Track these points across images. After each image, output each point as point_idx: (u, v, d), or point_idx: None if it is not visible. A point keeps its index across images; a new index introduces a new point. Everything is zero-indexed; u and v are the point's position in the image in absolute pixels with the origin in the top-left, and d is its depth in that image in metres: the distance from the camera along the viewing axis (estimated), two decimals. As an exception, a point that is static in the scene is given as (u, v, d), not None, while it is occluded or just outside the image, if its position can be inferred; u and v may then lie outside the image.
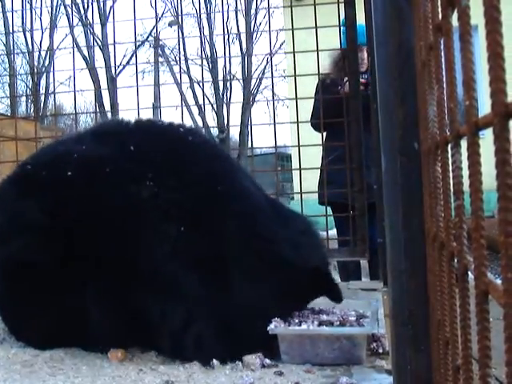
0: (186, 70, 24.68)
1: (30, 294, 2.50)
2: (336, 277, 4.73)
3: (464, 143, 0.76)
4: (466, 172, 0.75)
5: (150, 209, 2.43)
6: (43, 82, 27.64)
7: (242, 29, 26.96)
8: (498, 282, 0.64)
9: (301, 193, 4.39)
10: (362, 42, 4.48)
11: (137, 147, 2.59)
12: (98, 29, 26.00)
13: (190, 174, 2.55)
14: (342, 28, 4.69)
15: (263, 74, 26.29)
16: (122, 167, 2.52)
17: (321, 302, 2.61)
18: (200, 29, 25.13)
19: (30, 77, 26.31)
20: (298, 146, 4.37)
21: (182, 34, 22.19)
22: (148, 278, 2.36)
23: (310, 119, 5.12)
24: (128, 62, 25.56)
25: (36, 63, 26.52)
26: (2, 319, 2.75)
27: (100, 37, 26.09)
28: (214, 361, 2.30)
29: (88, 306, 2.40)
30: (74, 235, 2.44)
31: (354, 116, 4.21)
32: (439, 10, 0.99)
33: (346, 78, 4.54)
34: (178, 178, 2.50)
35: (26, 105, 28.46)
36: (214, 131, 24.75)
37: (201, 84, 24.30)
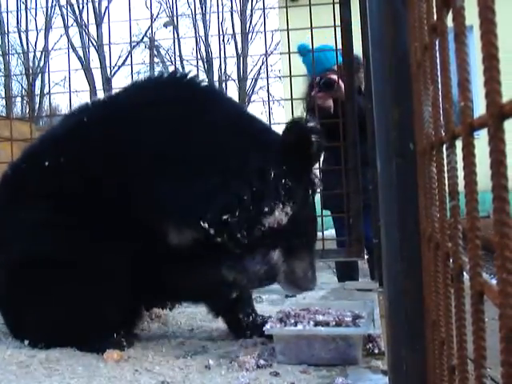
0: (181, 70, 24.65)
1: (35, 292, 2.52)
2: (333, 277, 4.73)
3: (459, 144, 0.77)
4: (461, 172, 0.75)
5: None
6: (38, 82, 27.58)
7: (238, 29, 27.01)
8: (493, 282, 0.64)
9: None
10: (329, 66, 4.54)
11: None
12: (93, 29, 26.03)
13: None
14: (301, 58, 4.77)
15: (258, 74, 26.33)
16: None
17: (317, 302, 2.61)
18: (195, 29, 25.16)
19: (25, 77, 26.26)
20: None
21: (178, 35, 22.18)
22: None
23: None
24: (123, 63, 25.54)
25: (31, 64, 26.48)
26: (2, 315, 2.76)
27: (95, 37, 26.09)
28: (210, 361, 2.30)
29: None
30: (77, 234, 2.46)
31: (349, 118, 4.22)
32: (434, 10, 0.99)
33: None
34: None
35: (21, 105, 28.41)
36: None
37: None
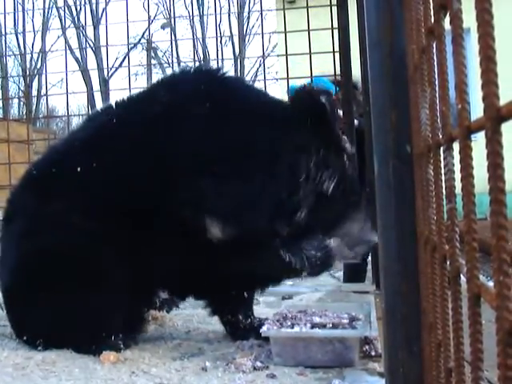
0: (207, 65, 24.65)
1: (38, 289, 2.53)
2: (331, 279, 4.73)
3: (456, 146, 0.77)
4: (458, 175, 0.76)
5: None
6: (35, 84, 27.57)
7: (235, 31, 27.00)
8: (491, 284, 0.64)
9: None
10: None
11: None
12: (90, 31, 26.00)
13: None
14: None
15: (256, 76, 26.29)
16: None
17: (314, 304, 2.61)
18: (193, 31, 25.12)
19: (22, 79, 26.23)
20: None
21: (175, 37, 22.19)
22: None
23: None
24: (120, 65, 25.53)
25: (28, 65, 26.46)
26: (8, 310, 2.74)
27: (92, 39, 26.08)
28: (207, 363, 2.30)
29: None
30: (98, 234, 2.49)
31: (347, 134, 4.22)
32: (431, 13, 0.99)
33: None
34: None
35: (19, 107, 28.35)
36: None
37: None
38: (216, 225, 2.41)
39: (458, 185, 0.75)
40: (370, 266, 4.87)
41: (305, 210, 2.44)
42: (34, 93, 26.90)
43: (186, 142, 2.51)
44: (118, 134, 2.64)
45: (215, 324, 2.92)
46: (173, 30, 20.90)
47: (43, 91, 24.72)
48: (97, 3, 26.02)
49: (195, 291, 2.77)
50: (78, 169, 2.58)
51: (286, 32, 4.48)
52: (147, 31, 22.82)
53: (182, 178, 2.46)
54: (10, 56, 22.02)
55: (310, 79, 4.62)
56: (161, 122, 2.58)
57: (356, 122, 4.29)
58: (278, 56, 13.54)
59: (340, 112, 4.42)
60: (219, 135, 2.50)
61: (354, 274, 4.90)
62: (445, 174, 0.86)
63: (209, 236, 2.42)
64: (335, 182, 2.49)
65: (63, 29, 18.38)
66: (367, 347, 2.40)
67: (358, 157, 4.08)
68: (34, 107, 26.35)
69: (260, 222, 2.42)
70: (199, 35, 26.04)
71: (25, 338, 2.61)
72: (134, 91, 3.18)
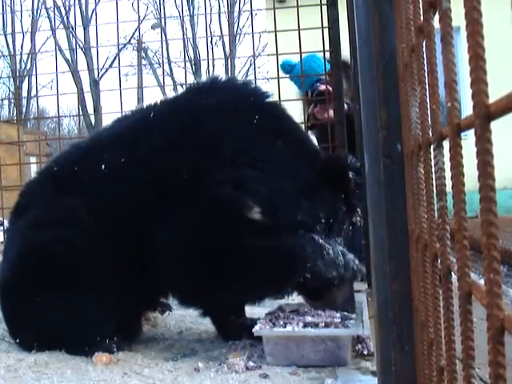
0: (169, 72, 24.63)
1: (41, 287, 2.52)
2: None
3: (446, 144, 0.77)
4: (448, 173, 0.76)
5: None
6: (25, 85, 27.45)
7: (225, 31, 27.01)
8: (482, 282, 0.64)
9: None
10: (316, 77, 4.59)
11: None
12: (80, 32, 25.91)
13: None
14: (288, 75, 4.85)
15: (247, 76, 26.27)
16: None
17: (306, 304, 2.61)
18: (183, 31, 25.11)
19: (12, 80, 26.14)
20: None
21: (165, 37, 22.18)
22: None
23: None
24: (111, 65, 25.45)
25: (18, 66, 26.36)
26: (3, 304, 2.73)
27: (82, 40, 25.99)
28: (199, 364, 2.30)
29: None
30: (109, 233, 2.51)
31: (338, 118, 4.22)
32: (421, 12, 0.99)
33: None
34: None
35: (9, 108, 28.28)
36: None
37: (184, 86, 24.21)
38: (254, 205, 2.44)
39: (449, 183, 0.75)
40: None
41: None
42: (24, 94, 26.81)
43: (227, 140, 2.57)
44: (151, 131, 2.67)
45: (208, 324, 2.92)
46: (163, 30, 20.91)
47: (33, 92, 24.68)
48: (86, 4, 25.96)
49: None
50: (101, 166, 2.61)
51: (276, 31, 4.47)
52: (137, 31, 22.82)
53: (223, 166, 2.50)
54: (-1, 57, 21.95)
55: (301, 77, 4.62)
56: (203, 120, 2.63)
57: (346, 106, 4.30)
58: (268, 55, 13.55)
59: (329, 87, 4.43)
60: (260, 145, 2.57)
61: None
62: (435, 172, 0.86)
63: (246, 213, 2.44)
64: (339, 244, 2.58)
65: (53, 30, 18.29)
66: (360, 346, 2.40)
67: (348, 145, 4.10)
68: (24, 108, 26.25)
69: (296, 215, 2.47)
70: (189, 35, 26.05)
71: (17, 339, 2.61)
72: (125, 92, 3.19)
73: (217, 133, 2.57)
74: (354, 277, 2.62)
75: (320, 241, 2.48)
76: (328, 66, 4.45)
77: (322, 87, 4.57)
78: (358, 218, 2.69)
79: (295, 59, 4.81)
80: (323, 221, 2.52)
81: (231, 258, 2.47)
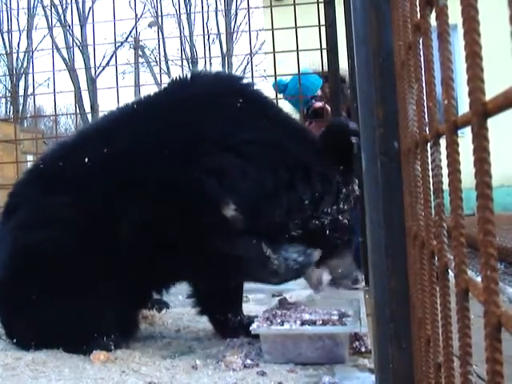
0: (166, 70, 24.64)
1: (36, 286, 2.52)
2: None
3: (443, 142, 0.77)
4: (445, 170, 0.76)
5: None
6: (22, 83, 27.42)
7: (222, 29, 27.00)
8: (479, 279, 0.64)
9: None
10: (312, 93, 4.59)
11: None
12: (77, 30, 25.88)
13: None
14: (281, 94, 4.88)
15: (244, 74, 26.27)
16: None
17: (303, 301, 2.61)
18: (180, 29, 25.10)
19: (8, 78, 26.10)
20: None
21: (162, 35, 22.18)
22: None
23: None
24: (108, 63, 25.47)
25: (14, 65, 26.33)
26: None
27: (79, 38, 25.97)
28: (197, 361, 2.30)
29: None
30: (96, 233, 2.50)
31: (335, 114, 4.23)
32: (418, 9, 0.99)
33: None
34: None
35: (6, 107, 28.23)
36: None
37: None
38: (231, 202, 2.43)
39: (446, 180, 0.75)
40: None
41: (311, 228, 2.52)
42: (21, 92, 26.78)
43: (214, 125, 2.56)
44: (133, 125, 2.67)
45: (205, 322, 2.92)
46: (160, 28, 20.89)
47: (30, 91, 24.62)
48: (83, 2, 25.95)
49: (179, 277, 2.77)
50: (86, 163, 2.60)
51: (273, 29, 4.48)
52: (134, 29, 22.76)
53: (207, 153, 2.49)
54: (-4, 55, 21.91)
55: (297, 77, 4.62)
56: (186, 108, 2.63)
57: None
58: (265, 53, 13.55)
59: (329, 109, 4.45)
60: (247, 127, 2.57)
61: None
62: (432, 170, 0.86)
63: (224, 212, 2.43)
64: (340, 215, 2.57)
65: (50, 28, 18.28)
66: (357, 343, 2.40)
67: None
68: (21, 107, 26.22)
69: (276, 216, 2.47)
70: (186, 33, 26.04)
71: (15, 338, 2.61)
72: (122, 90, 3.20)
73: (202, 119, 2.57)
74: (296, 274, 2.61)
75: (267, 252, 2.47)
76: (321, 82, 4.49)
77: (318, 104, 4.59)
78: (356, 187, 2.67)
79: (288, 77, 4.86)
80: (308, 202, 2.49)
81: (191, 249, 2.51)
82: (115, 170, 2.56)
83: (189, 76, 2.84)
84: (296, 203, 2.48)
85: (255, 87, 2.87)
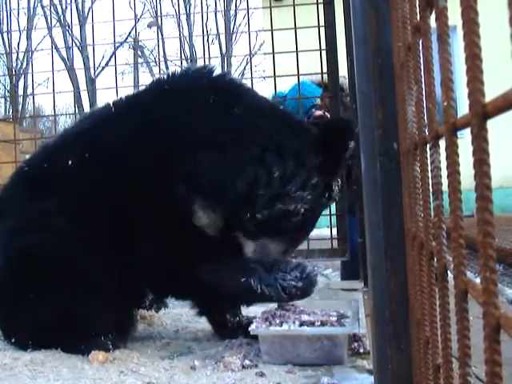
0: (165, 70, 24.58)
1: (33, 288, 2.52)
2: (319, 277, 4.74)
3: (443, 143, 0.77)
4: (444, 172, 0.76)
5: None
6: (21, 83, 27.43)
7: (222, 30, 26.99)
8: (478, 280, 0.64)
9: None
10: (312, 103, 4.59)
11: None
12: (76, 30, 25.89)
13: None
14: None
15: (243, 74, 26.29)
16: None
17: (302, 302, 2.61)
18: (179, 30, 25.10)
19: (7, 78, 26.09)
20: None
21: (162, 35, 22.16)
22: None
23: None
24: (107, 63, 25.46)
25: (14, 65, 26.31)
26: None
27: (79, 38, 25.97)
28: (196, 362, 2.30)
29: None
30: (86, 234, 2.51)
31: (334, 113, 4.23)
32: (417, 10, 0.99)
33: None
34: None
35: (5, 107, 28.23)
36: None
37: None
38: (199, 205, 2.45)
39: (445, 181, 0.75)
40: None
41: (278, 207, 2.47)
42: (20, 92, 26.77)
43: (186, 124, 2.55)
44: (115, 127, 2.67)
45: (204, 323, 2.91)
46: (159, 29, 20.88)
47: (29, 90, 24.62)
48: (83, 2, 25.91)
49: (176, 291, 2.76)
50: (68, 165, 2.60)
51: (272, 30, 4.48)
52: (134, 30, 22.75)
53: (180, 152, 2.49)
54: (-5, 55, 21.89)
55: (296, 78, 4.63)
56: (162, 108, 2.63)
57: None
58: (264, 54, 13.55)
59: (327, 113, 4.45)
60: (219, 120, 2.55)
61: (351, 273, 4.92)
62: (431, 171, 0.86)
63: (195, 220, 2.45)
64: (306, 203, 2.51)
65: (49, 28, 18.27)
66: (356, 344, 2.40)
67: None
68: (20, 107, 26.21)
69: (241, 187, 2.43)
70: (186, 34, 26.03)
71: (13, 339, 2.60)
72: (121, 90, 3.20)
73: (174, 119, 2.58)
74: (302, 296, 2.59)
75: (258, 290, 2.45)
76: (320, 91, 4.50)
77: (318, 113, 4.61)
78: (336, 188, 2.62)
79: (286, 88, 4.88)
80: (277, 175, 2.45)
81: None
82: (96, 173, 2.58)
83: (165, 77, 2.85)
84: (264, 174, 2.43)
85: (228, 77, 2.84)
